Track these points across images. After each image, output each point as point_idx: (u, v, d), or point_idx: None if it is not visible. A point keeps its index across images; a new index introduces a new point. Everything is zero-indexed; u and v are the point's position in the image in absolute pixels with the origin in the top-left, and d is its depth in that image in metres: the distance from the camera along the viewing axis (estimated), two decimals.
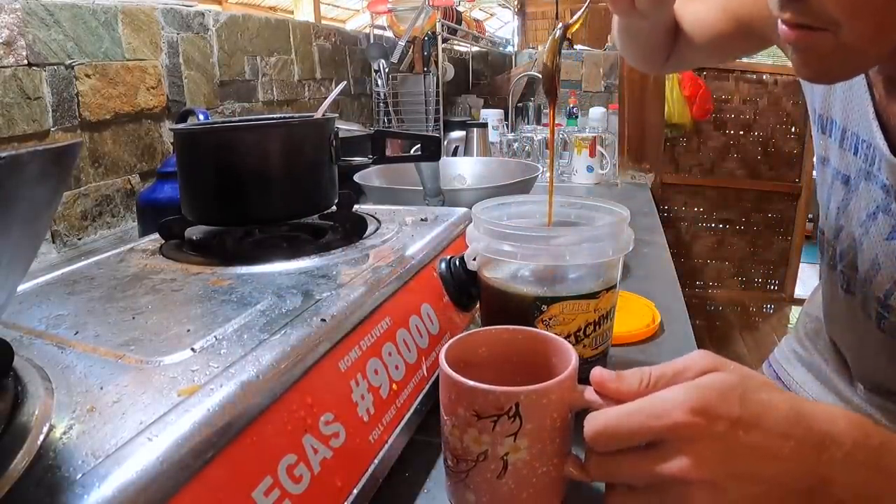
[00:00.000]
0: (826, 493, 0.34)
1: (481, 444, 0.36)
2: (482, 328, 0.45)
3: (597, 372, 0.37)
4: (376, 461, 0.40)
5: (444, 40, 2.08)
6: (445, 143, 1.51)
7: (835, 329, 0.73)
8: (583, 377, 0.52)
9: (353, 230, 0.63)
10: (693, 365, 0.36)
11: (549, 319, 0.50)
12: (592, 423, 0.35)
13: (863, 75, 0.56)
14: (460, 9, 2.59)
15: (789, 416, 0.34)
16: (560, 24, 0.54)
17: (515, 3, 4.04)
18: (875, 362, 0.65)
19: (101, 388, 0.32)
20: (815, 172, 0.69)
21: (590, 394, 0.37)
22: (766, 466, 0.33)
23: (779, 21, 0.46)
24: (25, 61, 0.86)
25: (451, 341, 0.42)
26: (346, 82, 1.28)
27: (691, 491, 0.33)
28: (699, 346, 0.64)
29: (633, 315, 0.69)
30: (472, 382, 0.36)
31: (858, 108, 0.57)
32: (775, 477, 0.34)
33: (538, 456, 0.36)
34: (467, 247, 0.57)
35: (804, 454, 0.34)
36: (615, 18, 0.80)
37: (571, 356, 0.39)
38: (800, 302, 2.66)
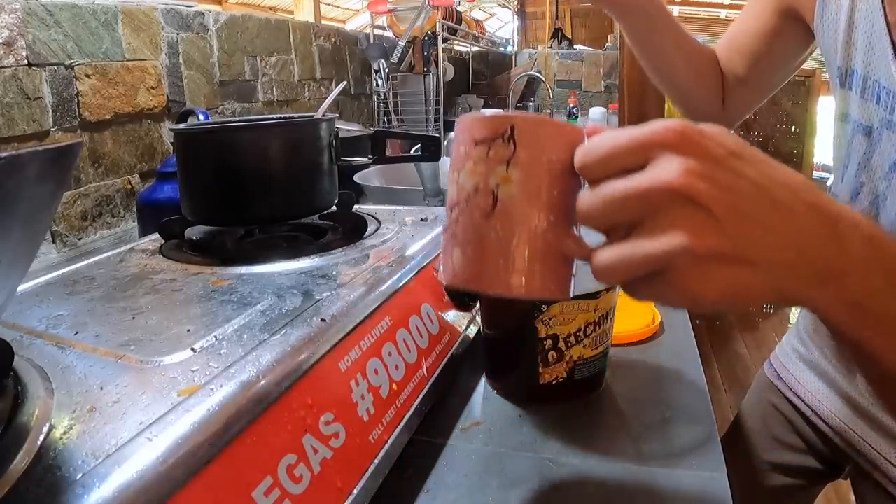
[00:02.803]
0: (839, 287, 0.30)
1: (475, 175, 0.33)
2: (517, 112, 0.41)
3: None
4: (376, 461, 0.40)
5: (444, 40, 2.08)
6: (445, 143, 1.51)
7: None
8: (584, 376, 0.52)
9: (353, 230, 0.63)
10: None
11: (549, 319, 0.50)
12: (579, 149, 0.32)
13: (882, 19, 0.55)
14: (460, 9, 2.59)
15: (796, 177, 0.30)
16: None
17: (515, 3, 4.04)
18: None
19: (101, 389, 0.32)
20: (832, 135, 0.67)
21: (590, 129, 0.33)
22: (771, 212, 0.29)
23: None
24: (25, 61, 0.86)
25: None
26: (346, 82, 1.28)
27: (683, 211, 0.28)
28: (699, 347, 0.64)
29: (633, 315, 0.69)
30: (473, 114, 0.35)
31: (879, 53, 0.55)
32: (782, 230, 0.29)
33: (530, 198, 0.32)
34: None
35: (815, 217, 0.29)
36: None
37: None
38: None
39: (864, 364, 0.34)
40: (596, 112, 2.35)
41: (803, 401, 0.77)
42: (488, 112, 0.35)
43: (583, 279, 0.53)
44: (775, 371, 0.83)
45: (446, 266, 0.35)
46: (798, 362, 0.79)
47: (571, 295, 0.35)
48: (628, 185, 0.29)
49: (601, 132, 0.32)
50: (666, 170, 0.28)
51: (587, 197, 0.31)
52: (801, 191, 0.30)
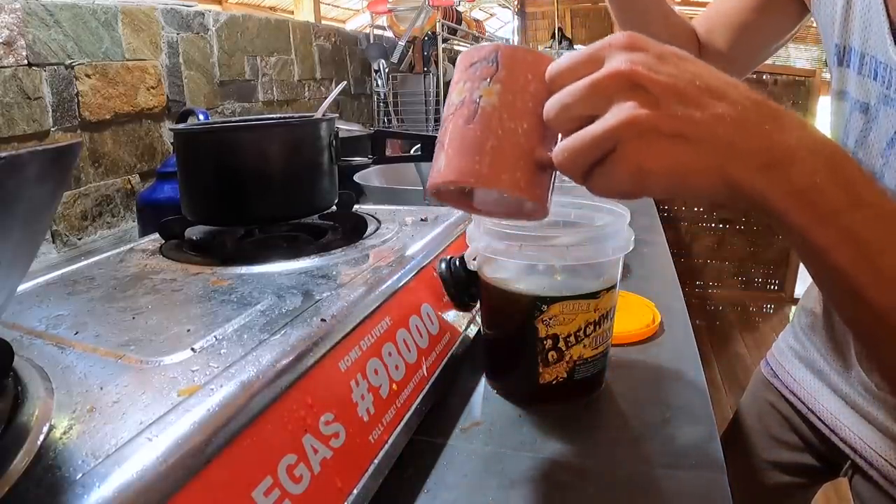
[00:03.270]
0: (784, 174, 0.31)
1: (462, 93, 0.37)
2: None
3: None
4: (376, 461, 0.40)
5: (444, 40, 2.08)
6: None
7: None
8: (584, 376, 0.52)
9: (353, 230, 0.63)
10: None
11: (550, 319, 0.50)
12: (549, 65, 0.36)
13: None
14: (460, 9, 2.59)
15: (741, 83, 0.33)
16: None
17: (515, 3, 4.04)
18: None
19: (101, 389, 0.32)
20: (829, 113, 0.67)
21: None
22: (709, 95, 0.31)
23: None
24: (25, 61, 0.86)
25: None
26: (346, 82, 1.28)
27: (628, 94, 0.31)
28: (699, 347, 0.64)
29: (633, 315, 0.69)
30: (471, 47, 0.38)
31: (876, 29, 0.55)
32: (721, 109, 0.31)
33: (506, 106, 0.36)
34: (467, 247, 0.57)
35: (761, 111, 0.32)
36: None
37: None
38: None
39: (810, 260, 0.35)
40: None
41: (799, 398, 0.77)
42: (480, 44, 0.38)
43: (583, 279, 0.53)
44: (771, 369, 0.83)
45: (432, 171, 0.38)
46: (794, 360, 0.79)
47: (548, 206, 0.38)
48: (582, 82, 0.33)
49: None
50: (613, 62, 0.32)
51: (550, 100, 0.35)
52: (741, 87, 0.32)
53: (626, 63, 0.31)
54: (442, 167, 0.37)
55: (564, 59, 0.35)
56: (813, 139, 0.32)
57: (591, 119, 0.33)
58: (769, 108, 0.32)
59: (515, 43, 3.98)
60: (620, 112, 0.31)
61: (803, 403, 0.76)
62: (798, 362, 0.78)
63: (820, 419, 0.73)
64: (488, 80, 0.36)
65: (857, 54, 0.58)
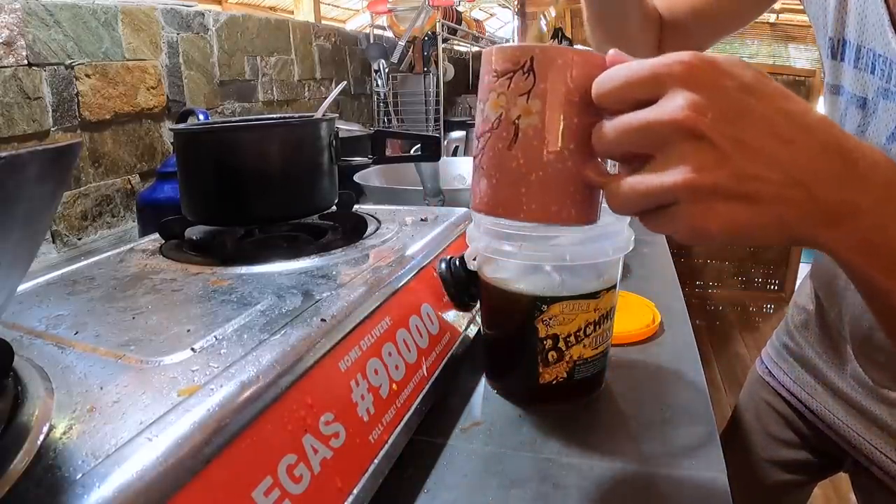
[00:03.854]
0: (853, 227, 0.29)
1: (497, 108, 0.34)
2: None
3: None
4: (376, 461, 0.40)
5: (444, 40, 2.08)
6: (445, 143, 1.52)
7: (844, 293, 0.69)
8: (584, 376, 0.52)
9: (353, 230, 0.63)
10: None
11: (550, 319, 0.50)
12: (595, 82, 0.32)
13: None
14: (460, 9, 2.59)
15: (814, 114, 0.29)
16: None
17: (515, 3, 4.03)
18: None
19: (101, 388, 0.32)
20: (823, 107, 0.65)
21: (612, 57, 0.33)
22: (780, 148, 0.28)
23: None
24: (25, 61, 0.86)
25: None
26: (346, 82, 1.28)
27: (688, 146, 0.28)
28: (699, 346, 0.64)
29: (633, 315, 0.69)
30: (496, 46, 0.35)
31: (874, 21, 0.53)
32: (791, 167, 0.28)
33: (550, 127, 0.33)
34: (467, 247, 0.57)
35: (830, 157, 0.29)
36: (586, 15, 0.79)
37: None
38: None
39: (875, 302, 0.35)
40: None
41: (795, 396, 0.77)
42: (503, 44, 0.35)
43: (583, 279, 0.53)
44: (766, 367, 0.83)
45: (474, 193, 0.37)
46: (788, 358, 0.79)
47: (597, 220, 0.36)
48: (636, 118, 0.30)
49: (622, 62, 0.32)
50: (671, 104, 0.29)
51: (601, 128, 0.32)
52: (815, 129, 0.29)
53: (684, 109, 0.28)
54: (486, 195, 0.35)
55: (614, 75, 0.31)
56: (884, 182, 0.30)
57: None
58: (847, 154, 0.30)
59: (515, 43, 3.98)
60: (678, 171, 0.29)
61: (799, 401, 0.76)
62: (793, 360, 0.78)
63: (816, 416, 0.73)
64: (526, 96, 0.33)
65: (853, 47, 0.57)
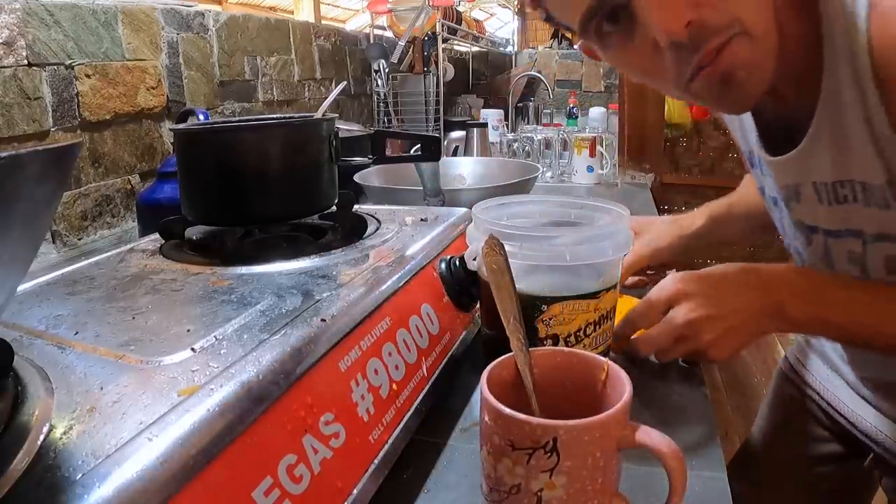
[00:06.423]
0: (782, 313, 0.51)
1: (514, 477, 0.34)
2: (534, 349, 0.41)
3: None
4: (376, 461, 0.40)
5: (444, 40, 2.08)
6: (445, 143, 1.51)
7: None
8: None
9: (353, 230, 0.63)
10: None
11: (550, 319, 0.50)
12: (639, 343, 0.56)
13: None
14: (460, 9, 2.59)
15: (743, 269, 0.54)
16: None
17: (515, 3, 4.03)
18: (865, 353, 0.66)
19: (101, 388, 0.32)
20: None
21: (642, 434, 0.34)
22: (739, 296, 0.53)
23: (695, 76, 0.45)
24: (25, 61, 0.86)
25: (498, 360, 0.39)
26: (346, 82, 1.28)
27: (697, 324, 0.51)
28: None
29: None
30: (508, 410, 0.33)
31: (749, 124, 0.62)
32: (748, 304, 0.52)
33: (577, 496, 0.34)
34: (467, 247, 0.57)
35: (761, 292, 0.52)
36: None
37: (625, 390, 0.36)
38: None
39: (836, 340, 0.60)
40: (596, 112, 2.35)
41: (816, 392, 0.80)
42: (520, 417, 0.33)
43: (583, 279, 0.53)
44: (790, 364, 0.85)
45: None
46: (810, 354, 0.82)
47: None
48: (664, 328, 0.54)
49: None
50: (681, 312, 0.53)
51: (642, 345, 0.56)
52: (750, 283, 0.54)
53: (689, 311, 0.52)
54: None
55: (650, 339, 0.55)
56: (787, 282, 0.53)
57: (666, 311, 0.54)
58: (767, 288, 0.53)
59: (516, 43, 3.98)
60: (680, 315, 0.53)
61: (820, 396, 0.79)
62: (814, 356, 0.80)
63: (837, 411, 0.76)
64: (549, 473, 0.33)
65: (752, 153, 0.64)
